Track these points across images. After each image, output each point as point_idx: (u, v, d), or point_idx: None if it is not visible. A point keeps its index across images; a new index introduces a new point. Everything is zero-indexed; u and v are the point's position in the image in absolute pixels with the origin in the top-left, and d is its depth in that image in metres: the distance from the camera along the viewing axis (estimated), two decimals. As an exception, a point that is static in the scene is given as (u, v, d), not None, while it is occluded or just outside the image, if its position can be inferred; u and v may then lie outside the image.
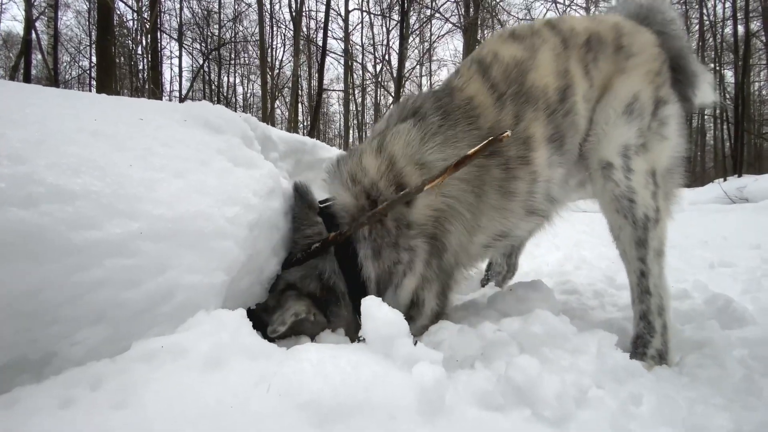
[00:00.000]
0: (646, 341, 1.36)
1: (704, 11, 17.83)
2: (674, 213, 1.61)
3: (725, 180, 11.46)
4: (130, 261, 0.76)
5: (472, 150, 1.15)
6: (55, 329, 0.67)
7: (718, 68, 16.87)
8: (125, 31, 17.78)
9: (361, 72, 23.44)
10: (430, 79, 25.53)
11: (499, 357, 1.16)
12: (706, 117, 22.16)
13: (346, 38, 18.05)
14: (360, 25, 22.29)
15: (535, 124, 1.44)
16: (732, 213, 6.75)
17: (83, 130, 0.87)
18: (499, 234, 1.49)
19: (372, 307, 1.00)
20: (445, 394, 0.83)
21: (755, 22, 14.97)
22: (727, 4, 16.62)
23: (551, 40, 1.54)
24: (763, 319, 1.86)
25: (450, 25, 16.02)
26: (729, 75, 17.63)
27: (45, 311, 0.66)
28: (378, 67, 22.27)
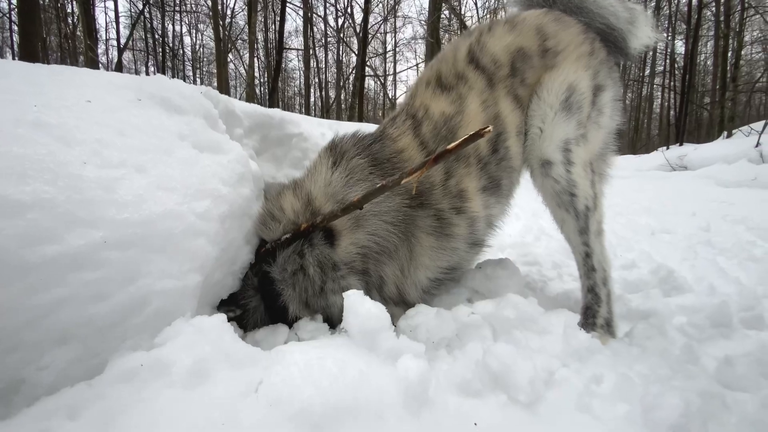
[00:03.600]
0: (595, 311, 1.48)
1: (662, -20, 18.18)
2: (606, 190, 1.68)
3: (668, 148, 12.29)
4: (96, 273, 0.69)
5: (452, 144, 1.13)
6: (18, 355, 0.61)
7: (670, 38, 17.51)
8: (47, -34, 15.41)
9: (322, 26, 22.10)
10: (395, 36, 24.62)
11: (473, 339, 1.22)
12: (655, 86, 23.24)
13: (306, -13, 16.75)
14: (320, -27, 20.74)
15: (467, 179, 1.46)
16: (672, 180, 7.31)
17: (23, 121, 0.76)
18: (447, 268, 1.53)
19: (355, 302, 1.00)
20: (428, 386, 0.87)
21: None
22: (684, -27, 17.01)
23: (477, 83, 1.51)
24: (698, 287, 2.07)
25: (415, -20, 15.24)
26: (679, 45, 18.42)
27: (3, 338, 0.60)
28: (340, 21, 21.05)
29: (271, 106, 4.14)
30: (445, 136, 1.46)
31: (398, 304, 1.47)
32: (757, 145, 6.64)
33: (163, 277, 0.82)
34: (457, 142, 1.18)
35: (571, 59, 1.50)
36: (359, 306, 0.98)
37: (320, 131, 2.07)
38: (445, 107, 1.49)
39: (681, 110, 13.69)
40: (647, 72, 22.40)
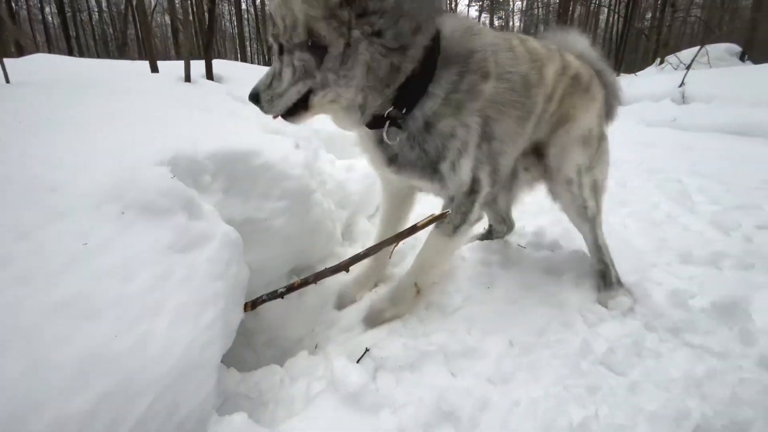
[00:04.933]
0: (608, 273, 2.09)
1: None
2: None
3: (607, 79, 12.63)
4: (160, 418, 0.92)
5: (421, 222, 1.39)
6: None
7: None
8: None
9: None
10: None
11: (429, 363, 1.59)
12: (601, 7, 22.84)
13: None
14: None
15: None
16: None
17: (73, 315, 0.88)
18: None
19: (343, 373, 1.32)
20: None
21: None
22: None
23: (556, 60, 1.90)
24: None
25: None
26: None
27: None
28: None
29: (207, 61, 3.78)
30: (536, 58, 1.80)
31: (493, 171, 1.77)
32: (680, 85, 7.23)
33: (192, 397, 1.05)
34: (423, 221, 1.44)
35: (594, 112, 1.99)
36: (346, 376, 1.30)
37: (281, 154, 2.13)
38: (538, 47, 1.85)
39: (622, 37, 13.89)
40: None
